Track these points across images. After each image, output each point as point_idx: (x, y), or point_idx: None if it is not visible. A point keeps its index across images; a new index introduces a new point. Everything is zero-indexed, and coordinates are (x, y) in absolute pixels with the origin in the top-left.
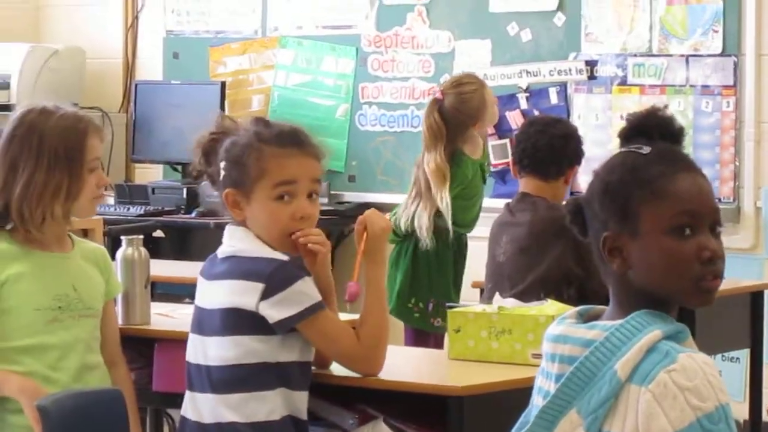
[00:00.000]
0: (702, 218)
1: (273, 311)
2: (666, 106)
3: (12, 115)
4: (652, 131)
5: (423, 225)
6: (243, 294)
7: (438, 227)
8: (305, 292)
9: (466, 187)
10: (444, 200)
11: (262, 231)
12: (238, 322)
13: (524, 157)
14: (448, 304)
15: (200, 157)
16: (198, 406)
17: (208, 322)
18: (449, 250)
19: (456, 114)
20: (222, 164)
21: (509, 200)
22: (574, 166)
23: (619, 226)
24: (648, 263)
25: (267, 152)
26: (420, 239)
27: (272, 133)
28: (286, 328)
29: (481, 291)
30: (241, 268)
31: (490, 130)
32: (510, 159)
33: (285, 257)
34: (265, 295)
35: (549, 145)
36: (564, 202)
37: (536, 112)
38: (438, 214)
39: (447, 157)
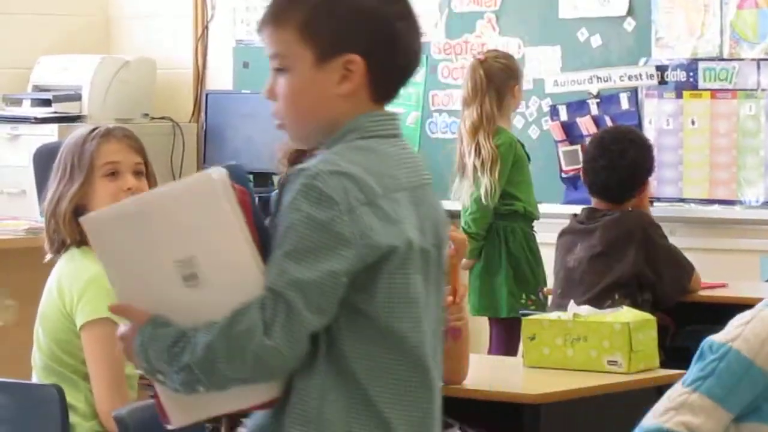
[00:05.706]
0: None
1: None
2: None
3: None
4: None
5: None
6: None
7: (522, 214)
8: None
9: (516, 161)
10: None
11: None
12: None
13: (593, 185)
14: (521, 311)
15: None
16: None
17: None
18: (534, 237)
19: (501, 69)
20: None
21: (576, 213)
22: (645, 182)
23: None
24: None
25: None
26: (500, 234)
27: None
28: None
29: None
30: None
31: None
32: (581, 168)
33: None
34: None
35: (618, 180)
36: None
37: (607, 118)
38: (510, 199)
39: (491, 133)
